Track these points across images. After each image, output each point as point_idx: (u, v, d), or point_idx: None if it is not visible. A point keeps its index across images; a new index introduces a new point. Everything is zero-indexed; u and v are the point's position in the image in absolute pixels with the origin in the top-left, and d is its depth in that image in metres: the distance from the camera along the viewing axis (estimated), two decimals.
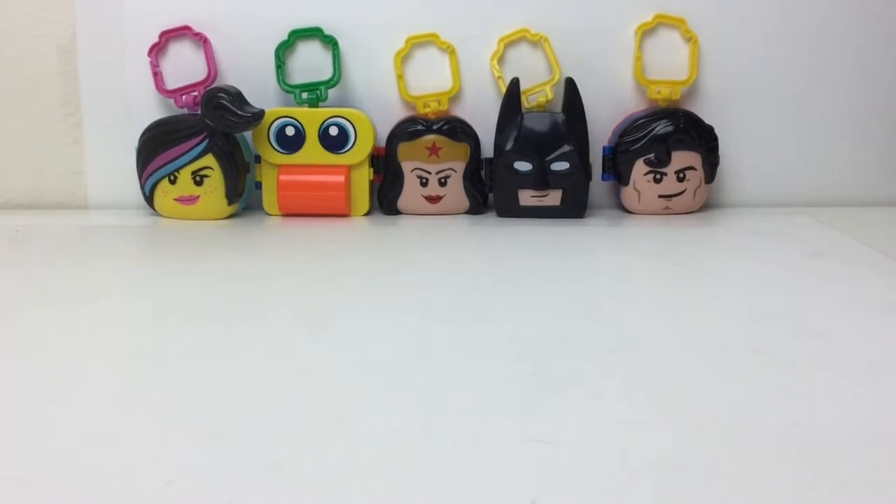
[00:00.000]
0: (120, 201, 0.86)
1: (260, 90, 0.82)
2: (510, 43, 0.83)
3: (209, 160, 0.79)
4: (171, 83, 0.82)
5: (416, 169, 0.81)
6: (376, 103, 0.84)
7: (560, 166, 0.79)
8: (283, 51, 0.82)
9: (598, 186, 0.84)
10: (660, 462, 0.36)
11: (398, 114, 0.84)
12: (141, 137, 0.80)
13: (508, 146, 0.79)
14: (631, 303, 0.57)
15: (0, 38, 0.84)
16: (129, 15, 0.83)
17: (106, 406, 0.42)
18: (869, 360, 0.47)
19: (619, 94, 0.84)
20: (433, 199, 0.82)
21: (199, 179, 0.80)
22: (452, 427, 0.39)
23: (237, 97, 0.78)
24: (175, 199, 0.81)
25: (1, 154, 0.86)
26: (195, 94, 0.81)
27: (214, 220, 0.81)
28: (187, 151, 0.79)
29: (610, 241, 0.75)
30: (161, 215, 0.82)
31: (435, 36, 0.83)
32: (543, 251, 0.71)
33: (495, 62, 0.83)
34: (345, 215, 0.82)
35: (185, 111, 0.81)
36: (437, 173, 0.81)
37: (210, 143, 0.79)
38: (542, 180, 0.79)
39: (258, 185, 0.83)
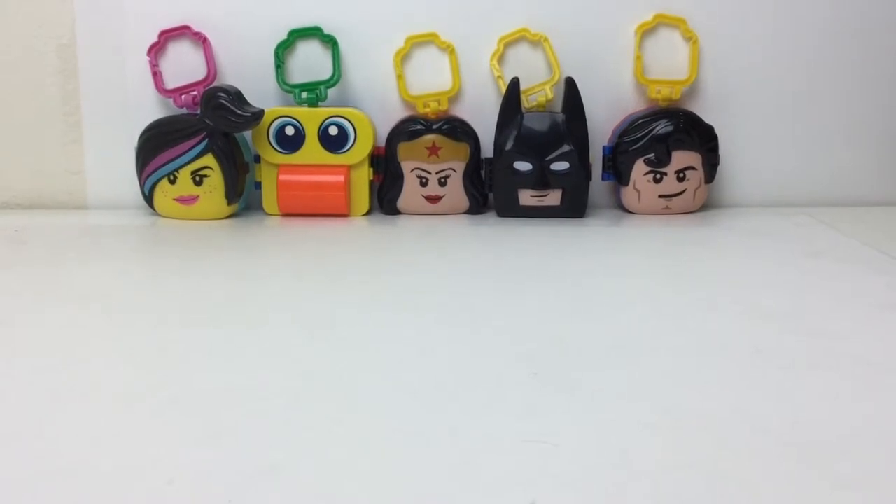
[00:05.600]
0: (119, 201, 0.86)
1: (259, 90, 0.82)
2: (510, 43, 0.83)
3: (209, 160, 0.79)
4: (171, 83, 0.82)
5: (415, 169, 0.81)
6: (376, 103, 0.84)
7: (560, 166, 0.79)
8: (283, 50, 0.82)
9: (598, 186, 0.84)
10: (660, 462, 0.36)
11: (398, 113, 0.84)
12: (140, 137, 0.80)
13: (508, 146, 0.79)
14: (631, 303, 0.57)
15: (0, 38, 0.84)
16: (129, 14, 0.83)
17: (106, 406, 0.42)
18: (869, 359, 0.47)
19: (619, 93, 0.84)
20: (433, 199, 0.82)
21: (198, 179, 0.80)
22: (452, 427, 0.39)
23: (237, 97, 0.78)
24: (175, 199, 0.81)
25: (1, 154, 0.86)
26: (194, 93, 0.81)
27: (214, 219, 0.81)
28: (187, 151, 0.79)
29: (610, 241, 0.75)
30: (161, 215, 0.82)
31: (435, 36, 0.83)
32: (543, 251, 0.71)
33: (495, 62, 0.83)
34: (344, 215, 0.82)
35: (184, 111, 0.81)
36: (436, 173, 0.81)
37: (209, 142, 0.79)
38: (541, 180, 0.79)
39: (258, 185, 0.83)
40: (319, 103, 0.81)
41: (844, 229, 0.76)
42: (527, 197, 0.80)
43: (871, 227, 0.78)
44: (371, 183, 0.83)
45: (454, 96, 0.83)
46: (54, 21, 0.83)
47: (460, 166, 0.81)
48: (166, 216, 0.82)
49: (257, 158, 0.82)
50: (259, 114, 0.78)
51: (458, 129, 0.81)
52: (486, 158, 0.82)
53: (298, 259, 0.69)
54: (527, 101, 0.81)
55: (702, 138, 0.80)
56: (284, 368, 0.46)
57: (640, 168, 0.80)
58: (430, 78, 0.83)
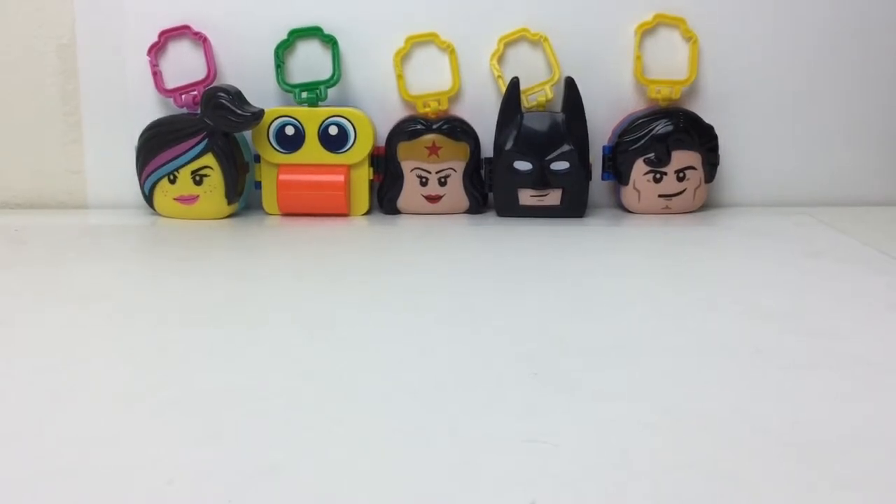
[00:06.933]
0: (119, 201, 0.86)
1: (259, 89, 0.82)
2: (510, 42, 0.83)
3: (209, 160, 0.79)
4: (171, 83, 0.82)
5: (415, 168, 0.81)
6: (376, 103, 0.84)
7: (560, 166, 0.79)
8: (283, 50, 0.82)
9: (598, 186, 0.84)
10: (660, 462, 0.36)
11: (398, 113, 0.84)
12: (140, 137, 0.80)
13: (508, 146, 0.79)
14: (631, 303, 0.57)
15: (0, 38, 0.84)
16: (129, 14, 0.83)
17: (106, 406, 0.42)
18: (869, 359, 0.47)
19: (618, 93, 0.84)
20: (433, 199, 0.82)
21: (198, 179, 0.80)
22: (452, 427, 0.39)
23: (237, 96, 0.78)
24: (175, 199, 0.81)
25: (1, 154, 0.86)
26: (195, 93, 0.81)
27: (214, 219, 0.81)
28: (187, 151, 0.79)
29: (610, 241, 0.75)
30: (161, 215, 0.82)
31: (435, 35, 0.83)
32: (543, 251, 0.71)
33: (495, 62, 0.83)
34: (344, 215, 0.82)
35: (184, 111, 0.81)
36: (436, 173, 0.81)
37: (209, 142, 0.79)
38: (541, 180, 0.79)
39: (258, 185, 0.83)
40: (319, 103, 0.81)
41: (844, 229, 0.76)
42: (527, 197, 0.80)
43: (871, 227, 0.78)
44: (371, 183, 0.83)
45: (454, 96, 0.83)
46: (54, 21, 0.83)
47: (460, 166, 0.81)
48: (166, 216, 0.82)
49: (257, 158, 0.82)
50: (259, 114, 0.78)
51: (457, 129, 0.81)
52: (486, 158, 0.82)
53: (298, 259, 0.69)
54: (527, 101, 0.81)
55: (702, 138, 0.80)
56: (284, 368, 0.46)
57: (639, 168, 0.80)
58: (430, 78, 0.83)
